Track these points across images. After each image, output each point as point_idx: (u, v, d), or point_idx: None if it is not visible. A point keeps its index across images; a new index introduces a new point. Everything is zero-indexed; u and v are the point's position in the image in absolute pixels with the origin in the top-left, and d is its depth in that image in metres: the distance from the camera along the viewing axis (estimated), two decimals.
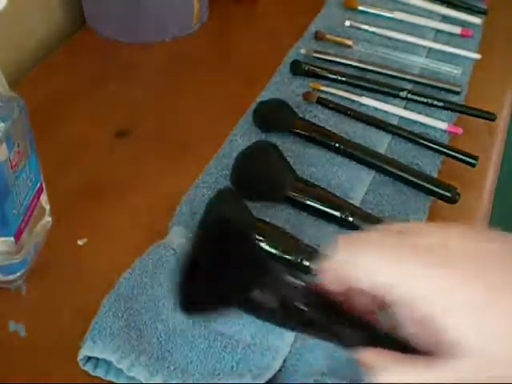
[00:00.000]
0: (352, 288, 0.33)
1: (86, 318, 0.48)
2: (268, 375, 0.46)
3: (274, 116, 0.66)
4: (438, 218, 0.58)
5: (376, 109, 0.69)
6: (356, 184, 0.60)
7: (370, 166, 0.62)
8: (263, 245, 0.52)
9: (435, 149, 0.64)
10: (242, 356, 0.47)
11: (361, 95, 0.70)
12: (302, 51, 0.75)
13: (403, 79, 0.73)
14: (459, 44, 0.79)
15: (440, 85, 0.73)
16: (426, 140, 0.65)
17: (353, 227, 0.55)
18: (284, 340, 0.47)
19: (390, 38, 0.79)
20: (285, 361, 0.47)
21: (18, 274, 0.52)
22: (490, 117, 0.68)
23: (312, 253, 0.52)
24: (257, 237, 0.52)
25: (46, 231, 0.56)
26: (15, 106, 0.49)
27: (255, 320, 0.47)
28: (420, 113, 0.69)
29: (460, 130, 0.67)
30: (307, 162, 0.62)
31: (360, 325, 0.35)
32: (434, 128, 0.67)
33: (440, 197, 0.59)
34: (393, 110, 0.69)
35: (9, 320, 0.50)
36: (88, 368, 0.46)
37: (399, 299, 0.31)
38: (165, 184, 0.61)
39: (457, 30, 0.81)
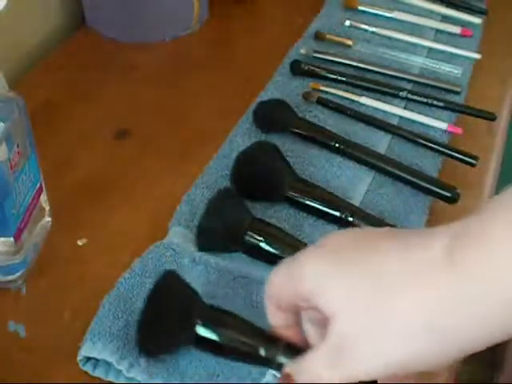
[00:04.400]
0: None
1: (85, 318, 0.48)
2: (268, 377, 0.46)
3: (273, 116, 0.66)
4: (438, 218, 0.58)
5: (376, 109, 0.69)
6: (356, 184, 0.60)
7: (369, 166, 0.62)
8: (262, 245, 0.52)
9: (435, 149, 0.64)
10: None
11: (361, 95, 0.70)
12: (302, 51, 0.75)
13: (403, 79, 0.73)
14: (459, 44, 0.79)
15: (440, 85, 0.73)
16: (426, 140, 0.65)
17: (352, 227, 0.55)
18: None
19: (390, 38, 0.79)
20: None
21: (18, 274, 0.52)
22: (489, 117, 0.68)
23: None
24: (256, 236, 0.52)
25: (46, 231, 0.56)
26: (15, 106, 0.49)
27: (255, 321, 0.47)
28: (420, 113, 0.69)
29: (460, 130, 0.67)
30: (307, 162, 0.62)
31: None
32: (433, 128, 0.67)
33: (440, 197, 0.59)
34: (393, 109, 0.69)
35: (9, 320, 0.50)
36: (88, 368, 0.46)
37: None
38: (165, 184, 0.61)
39: (457, 29, 0.81)
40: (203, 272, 0.52)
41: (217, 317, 0.44)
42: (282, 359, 0.41)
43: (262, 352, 0.41)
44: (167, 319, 0.44)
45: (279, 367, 0.41)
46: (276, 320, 0.41)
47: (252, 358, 0.42)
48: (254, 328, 0.43)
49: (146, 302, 0.45)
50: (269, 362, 0.41)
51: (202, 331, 0.43)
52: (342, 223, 0.56)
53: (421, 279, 0.34)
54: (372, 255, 0.36)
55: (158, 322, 0.44)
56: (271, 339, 0.41)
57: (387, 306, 0.34)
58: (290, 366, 0.39)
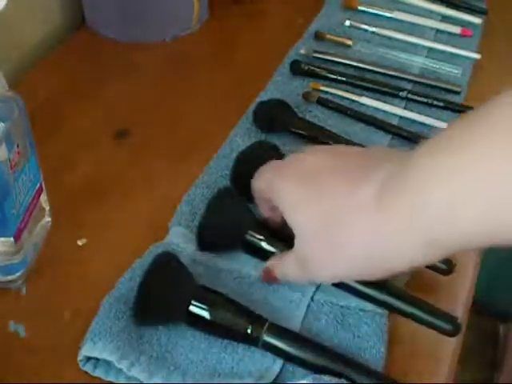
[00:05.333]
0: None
1: (86, 318, 0.48)
2: (269, 376, 0.46)
3: (273, 116, 0.66)
4: None
5: (376, 109, 0.69)
6: None
7: None
8: (264, 244, 0.52)
9: None
10: (241, 357, 0.47)
11: (361, 95, 0.70)
12: (302, 51, 0.75)
13: (403, 79, 0.73)
14: (459, 44, 0.79)
15: (440, 85, 0.73)
16: (426, 140, 0.65)
17: None
18: None
19: (390, 38, 0.79)
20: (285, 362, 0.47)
21: (18, 274, 0.52)
22: None
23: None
24: (257, 236, 0.52)
25: (46, 231, 0.56)
26: (15, 106, 0.49)
27: None
28: (420, 113, 0.69)
29: None
30: None
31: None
32: (434, 128, 0.67)
33: None
34: (393, 110, 0.69)
35: (9, 320, 0.50)
36: (88, 368, 0.46)
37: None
38: (165, 184, 0.61)
39: (457, 29, 0.81)
40: (203, 272, 0.52)
41: (209, 296, 0.48)
42: (265, 338, 0.46)
43: (249, 330, 0.46)
44: (163, 294, 0.47)
45: (263, 346, 0.46)
46: (264, 210, 0.52)
47: (239, 336, 0.47)
48: (242, 308, 0.47)
49: (144, 277, 0.48)
50: (254, 340, 0.46)
51: (194, 309, 0.47)
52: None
53: (359, 217, 0.42)
54: (327, 189, 0.44)
55: (154, 296, 0.47)
56: (257, 319, 0.47)
57: (333, 235, 0.43)
58: (271, 262, 0.50)
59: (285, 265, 0.49)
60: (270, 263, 0.50)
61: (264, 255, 0.51)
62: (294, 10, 0.86)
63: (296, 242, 0.46)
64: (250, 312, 0.47)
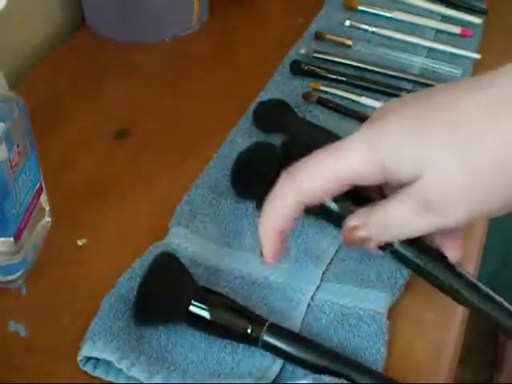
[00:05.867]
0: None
1: (86, 318, 0.48)
2: (269, 376, 0.46)
3: (273, 116, 0.66)
4: None
5: (376, 109, 0.69)
6: None
7: None
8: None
9: None
10: (242, 357, 0.47)
11: (361, 95, 0.70)
12: (302, 51, 0.75)
13: (403, 79, 0.73)
14: (459, 44, 0.79)
15: None
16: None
17: None
18: None
19: (390, 38, 0.79)
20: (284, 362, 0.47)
21: (18, 274, 0.52)
22: None
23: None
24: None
25: (46, 231, 0.56)
26: (15, 106, 0.49)
27: None
28: None
29: None
30: None
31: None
32: None
33: None
34: None
35: (9, 320, 0.50)
36: (88, 368, 0.46)
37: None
38: (165, 184, 0.61)
39: (457, 29, 0.81)
40: (203, 272, 0.52)
41: (209, 296, 0.47)
42: (265, 338, 0.46)
43: (249, 330, 0.46)
44: (163, 294, 0.47)
45: (263, 346, 0.46)
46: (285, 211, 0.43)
47: (239, 336, 0.47)
48: (242, 308, 0.47)
49: (144, 277, 0.48)
50: (254, 340, 0.46)
51: (194, 309, 0.46)
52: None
53: (496, 115, 0.36)
54: (443, 103, 0.37)
55: (154, 296, 0.47)
56: (257, 319, 0.47)
57: (472, 155, 0.36)
58: (356, 217, 0.42)
59: (395, 214, 0.40)
60: (353, 220, 0.43)
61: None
62: (294, 9, 0.86)
63: (419, 182, 0.38)
64: (250, 312, 0.47)
